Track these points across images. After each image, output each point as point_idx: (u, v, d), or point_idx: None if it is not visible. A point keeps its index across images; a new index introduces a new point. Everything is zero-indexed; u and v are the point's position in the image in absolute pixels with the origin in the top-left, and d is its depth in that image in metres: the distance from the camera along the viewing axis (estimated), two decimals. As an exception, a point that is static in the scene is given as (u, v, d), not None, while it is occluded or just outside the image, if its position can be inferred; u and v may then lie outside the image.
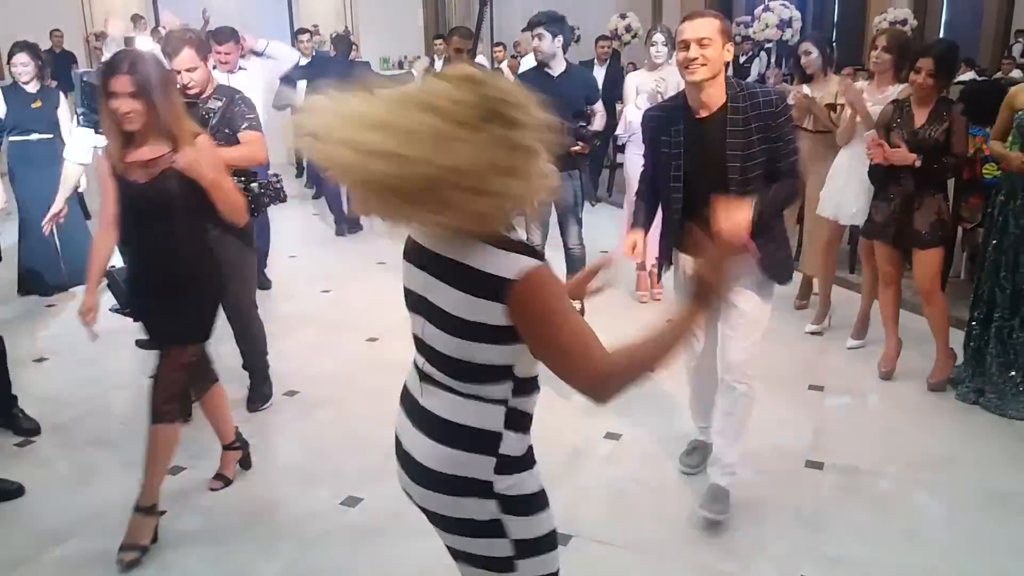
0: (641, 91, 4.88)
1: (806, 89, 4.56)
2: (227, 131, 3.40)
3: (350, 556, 2.73)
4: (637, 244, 2.86)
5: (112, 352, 4.60)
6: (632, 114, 4.88)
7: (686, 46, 2.57)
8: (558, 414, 3.52)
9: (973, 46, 12.29)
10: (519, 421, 1.53)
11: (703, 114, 2.64)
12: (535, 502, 1.57)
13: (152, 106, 2.54)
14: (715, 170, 2.58)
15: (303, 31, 8.99)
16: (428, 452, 1.53)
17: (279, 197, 3.66)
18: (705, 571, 2.62)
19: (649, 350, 1.42)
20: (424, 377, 1.56)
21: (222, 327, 3.30)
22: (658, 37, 4.89)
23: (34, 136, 5.33)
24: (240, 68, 4.81)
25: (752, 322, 2.77)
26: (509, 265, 1.37)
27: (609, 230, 5.89)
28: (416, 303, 1.54)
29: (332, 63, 7.65)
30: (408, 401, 1.61)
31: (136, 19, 12.04)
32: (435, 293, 1.46)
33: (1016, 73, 9.71)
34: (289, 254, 6.36)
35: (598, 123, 4.62)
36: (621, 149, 5.87)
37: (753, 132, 2.57)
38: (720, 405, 2.87)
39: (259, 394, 3.83)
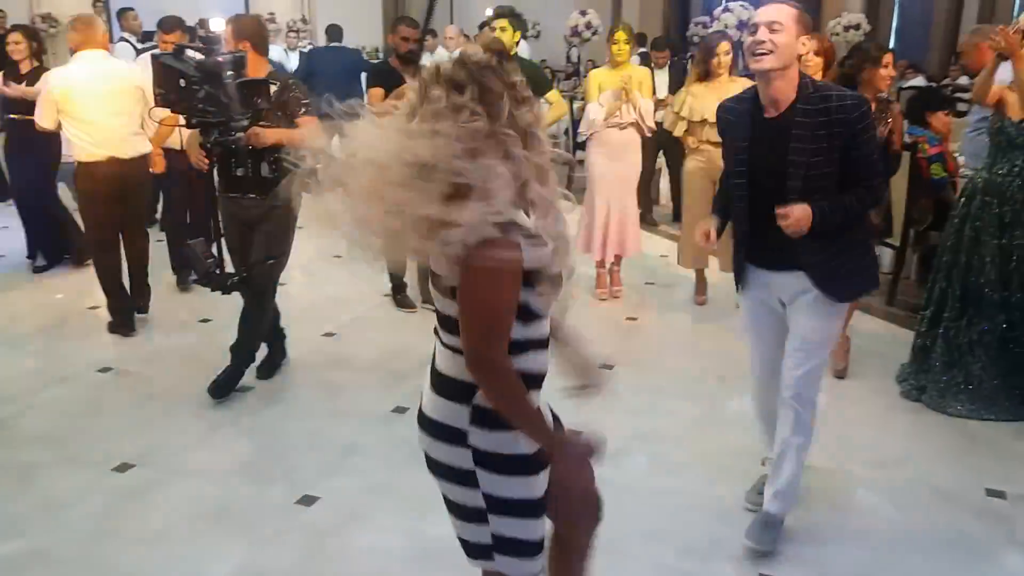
0: (604, 88, 4.88)
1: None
2: (279, 114, 3.49)
3: (305, 557, 2.67)
4: (711, 234, 2.66)
5: (56, 343, 4.46)
6: (595, 111, 4.88)
7: (755, 30, 2.40)
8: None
9: (922, 52, 12.59)
10: (522, 380, 1.64)
11: (771, 113, 2.46)
12: (514, 464, 1.66)
13: None
14: (777, 175, 2.42)
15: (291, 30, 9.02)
16: (427, 400, 1.73)
17: None
18: (665, 570, 2.62)
19: (523, 410, 1.61)
20: (437, 336, 1.73)
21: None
22: (619, 35, 4.90)
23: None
24: None
25: (813, 345, 2.59)
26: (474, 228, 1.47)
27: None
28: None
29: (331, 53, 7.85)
30: (431, 362, 1.78)
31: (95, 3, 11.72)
32: None
33: (964, 79, 9.95)
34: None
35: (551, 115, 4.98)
36: (581, 147, 5.87)
37: (823, 138, 2.38)
38: (779, 427, 2.71)
39: (226, 383, 3.74)
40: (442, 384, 1.69)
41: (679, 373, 4.09)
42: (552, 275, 1.58)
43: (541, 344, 1.67)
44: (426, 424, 1.73)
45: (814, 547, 2.73)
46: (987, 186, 3.63)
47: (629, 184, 5.09)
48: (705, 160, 4.71)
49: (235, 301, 3.75)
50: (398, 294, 4.95)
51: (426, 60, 7.36)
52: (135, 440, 3.39)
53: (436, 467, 1.74)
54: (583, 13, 10.55)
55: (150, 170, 4.54)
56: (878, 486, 3.11)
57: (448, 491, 1.75)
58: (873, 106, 3.72)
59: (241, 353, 3.77)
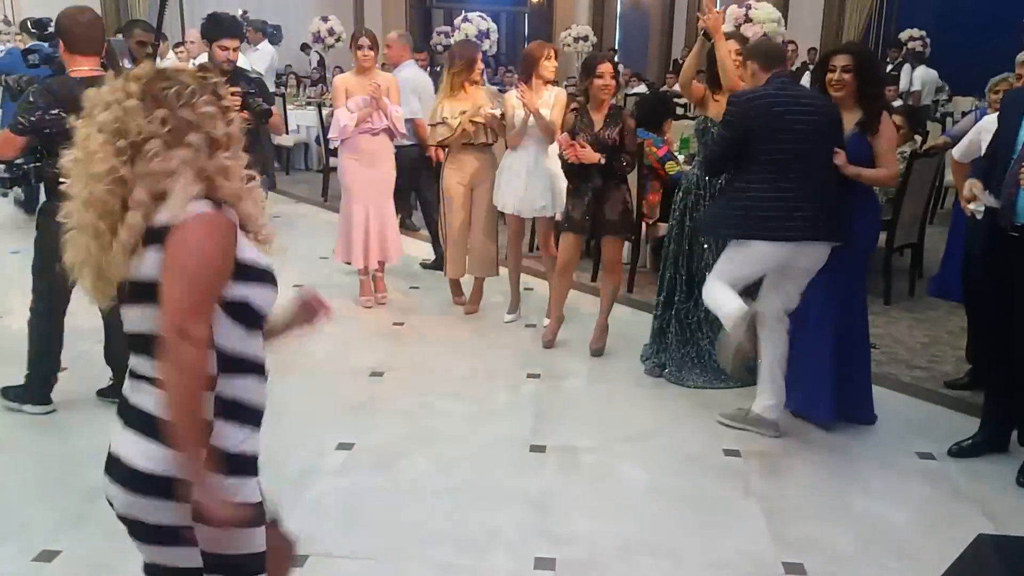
0: (352, 95, 4.82)
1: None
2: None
3: (47, 620, 2.37)
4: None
5: None
6: (345, 117, 4.80)
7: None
8: (285, 430, 3.36)
9: (642, 63, 13.88)
10: (232, 409, 1.49)
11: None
12: (248, 516, 1.50)
13: None
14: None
15: None
16: (133, 450, 1.46)
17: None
18: (444, 569, 2.64)
19: (194, 413, 1.39)
20: (131, 373, 1.52)
21: None
22: (364, 41, 4.87)
23: None
24: None
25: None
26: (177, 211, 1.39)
27: (327, 235, 5.77)
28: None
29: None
30: (121, 400, 1.54)
31: None
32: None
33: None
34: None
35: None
36: (334, 153, 5.77)
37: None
38: None
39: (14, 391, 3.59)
40: (156, 427, 1.42)
41: (448, 373, 4.16)
42: (263, 267, 1.51)
43: (259, 369, 1.54)
44: (130, 478, 1.45)
45: (585, 523, 2.90)
46: (700, 181, 4.07)
47: (385, 190, 5.06)
48: (459, 168, 4.81)
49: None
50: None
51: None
52: None
53: (147, 532, 1.49)
54: (325, 19, 10.39)
55: None
56: (634, 457, 3.37)
57: (158, 555, 1.52)
58: (603, 114, 4.14)
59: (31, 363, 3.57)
